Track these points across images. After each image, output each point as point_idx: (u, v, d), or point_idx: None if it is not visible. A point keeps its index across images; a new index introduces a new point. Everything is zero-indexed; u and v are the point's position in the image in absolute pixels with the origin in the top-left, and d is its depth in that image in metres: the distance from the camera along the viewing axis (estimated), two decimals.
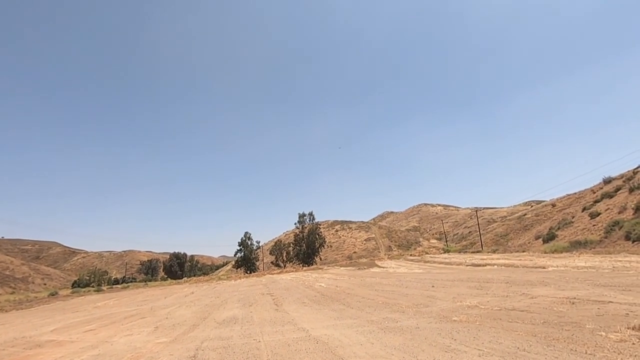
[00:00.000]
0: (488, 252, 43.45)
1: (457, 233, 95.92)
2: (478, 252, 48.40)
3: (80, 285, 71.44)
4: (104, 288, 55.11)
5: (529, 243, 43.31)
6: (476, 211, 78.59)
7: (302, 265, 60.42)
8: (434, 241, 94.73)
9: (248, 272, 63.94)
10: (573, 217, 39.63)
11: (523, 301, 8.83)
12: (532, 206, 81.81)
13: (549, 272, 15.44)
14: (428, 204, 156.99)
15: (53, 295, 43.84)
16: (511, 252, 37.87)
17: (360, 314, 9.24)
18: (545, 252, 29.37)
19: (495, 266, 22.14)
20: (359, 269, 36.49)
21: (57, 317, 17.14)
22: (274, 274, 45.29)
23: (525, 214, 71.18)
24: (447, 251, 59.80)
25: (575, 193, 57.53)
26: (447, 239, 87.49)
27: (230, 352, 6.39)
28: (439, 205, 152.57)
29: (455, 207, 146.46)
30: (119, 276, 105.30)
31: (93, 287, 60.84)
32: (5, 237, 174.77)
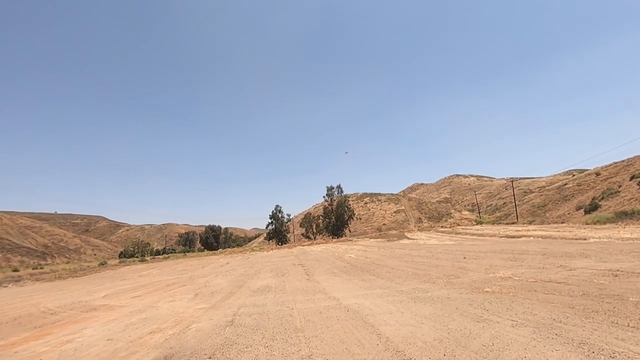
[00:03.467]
0: (524, 224, 41.97)
1: (491, 204, 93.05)
2: (513, 223, 46.87)
3: (125, 255, 76.88)
4: (147, 258, 59.05)
5: (568, 214, 41.35)
6: (512, 181, 75.46)
7: (332, 237, 61.44)
8: (466, 213, 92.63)
9: (279, 243, 65.98)
10: (620, 187, 37.15)
11: (560, 273, 8.53)
12: (573, 175, 77.24)
13: (590, 244, 14.74)
14: (460, 175, 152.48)
15: (103, 264, 47.64)
16: (549, 224, 36.37)
17: (390, 284, 9.34)
18: (587, 224, 27.94)
19: (531, 238, 21.40)
20: (388, 240, 36.60)
21: (107, 284, 18.68)
22: (305, 245, 46.44)
23: (565, 184, 67.54)
24: (479, 223, 58.32)
25: (623, 161, 53.51)
26: (480, 211, 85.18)
27: (265, 318, 6.71)
28: (472, 176, 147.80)
29: (489, 177, 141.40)
30: (159, 247, 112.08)
31: (137, 257, 65.33)
32: (58, 212, 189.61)
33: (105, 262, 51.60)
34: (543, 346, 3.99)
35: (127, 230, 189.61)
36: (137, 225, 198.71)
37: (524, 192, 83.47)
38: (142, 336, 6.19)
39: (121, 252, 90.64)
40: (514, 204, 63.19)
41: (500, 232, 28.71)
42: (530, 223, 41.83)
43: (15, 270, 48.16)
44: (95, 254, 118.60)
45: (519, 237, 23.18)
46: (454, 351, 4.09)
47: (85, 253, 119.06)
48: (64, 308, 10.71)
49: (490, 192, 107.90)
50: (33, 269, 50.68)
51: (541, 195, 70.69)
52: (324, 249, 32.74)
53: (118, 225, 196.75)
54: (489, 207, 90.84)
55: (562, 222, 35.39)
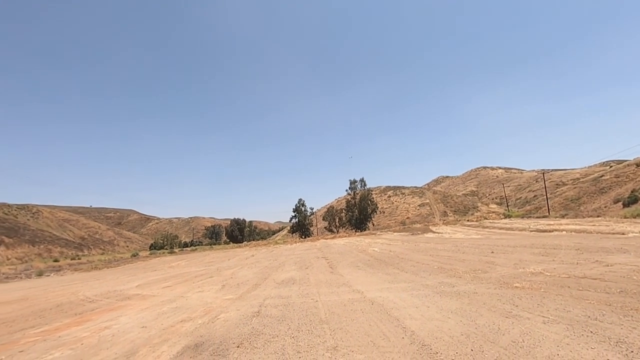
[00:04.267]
0: (556, 218, 40.29)
1: (520, 197, 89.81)
2: (544, 217, 45.09)
3: (156, 247, 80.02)
4: (176, 250, 61.20)
5: (605, 207, 39.30)
6: (543, 173, 72.44)
7: (355, 231, 61.33)
8: (494, 206, 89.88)
9: (303, 237, 66.59)
10: None
11: (596, 269, 8.15)
12: (611, 166, 73.13)
13: (629, 239, 13.97)
14: (487, 167, 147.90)
15: (134, 256, 49.81)
16: (583, 217, 34.73)
17: (414, 278, 9.25)
18: (626, 217, 26.46)
19: (564, 232, 20.52)
20: (412, 234, 36.16)
21: (139, 274, 19.54)
22: (328, 239, 46.64)
23: (602, 176, 64.11)
24: (508, 216, 56.43)
25: None
26: (509, 204, 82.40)
27: (290, 310, 6.83)
28: (500, 168, 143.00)
29: (519, 169, 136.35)
30: (187, 240, 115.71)
31: (166, 249, 67.83)
32: (93, 206, 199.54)
33: (137, 254, 53.95)
34: (577, 344, 3.85)
35: (157, 223, 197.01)
36: (166, 219, 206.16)
37: (556, 184, 79.95)
38: (174, 324, 6.46)
39: (151, 244, 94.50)
40: (545, 196, 60.68)
41: (531, 226, 27.70)
42: (562, 217, 40.08)
43: (56, 260, 51.23)
44: (127, 246, 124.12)
45: (550, 231, 22.29)
46: (481, 346, 4.02)
47: (118, 245, 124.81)
48: (101, 296, 11.32)
49: (520, 185, 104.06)
50: (71, 259, 53.74)
51: (575, 187, 67.48)
52: (347, 242, 32.78)
53: (148, 219, 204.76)
54: (518, 201, 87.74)
55: (598, 216, 33.71)
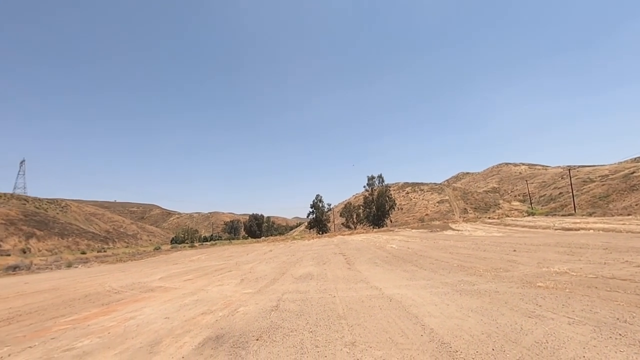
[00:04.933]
0: (582, 216, 38.80)
1: (544, 195, 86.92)
2: (570, 215, 43.52)
3: (177, 241, 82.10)
4: (196, 244, 62.60)
5: (636, 205, 37.59)
6: (569, 170, 69.75)
7: (372, 227, 61.03)
8: (516, 203, 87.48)
9: (320, 232, 66.81)
10: None
11: (626, 269, 7.82)
12: None
13: None
14: (510, 164, 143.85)
15: (157, 249, 51.30)
16: (612, 216, 33.31)
17: (433, 276, 9.14)
18: None
19: (591, 231, 19.75)
20: (431, 231, 35.65)
21: (161, 267, 20.12)
22: (345, 235, 46.60)
23: (633, 172, 61.27)
24: (531, 214, 54.74)
25: None
26: (532, 201, 79.94)
27: (308, 305, 6.88)
28: (523, 164, 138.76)
29: (543, 166, 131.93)
30: (206, 234, 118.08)
31: (187, 243, 69.48)
32: (117, 201, 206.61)
33: (159, 247, 55.54)
34: (605, 346, 3.72)
35: (178, 217, 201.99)
36: (187, 214, 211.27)
37: (583, 181, 76.91)
38: (195, 316, 6.63)
39: (173, 238, 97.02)
40: (571, 194, 58.53)
41: (555, 224, 26.81)
42: (590, 215, 38.55)
43: (83, 252, 53.39)
44: (150, 240, 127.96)
45: (576, 229, 21.51)
46: (503, 346, 3.94)
47: (141, 238, 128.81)
48: (126, 288, 11.73)
49: (544, 182, 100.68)
50: (98, 252, 55.89)
51: (603, 184, 64.79)
52: (365, 238, 32.66)
53: (169, 213, 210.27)
54: (542, 198, 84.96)
55: (629, 214, 32.26)
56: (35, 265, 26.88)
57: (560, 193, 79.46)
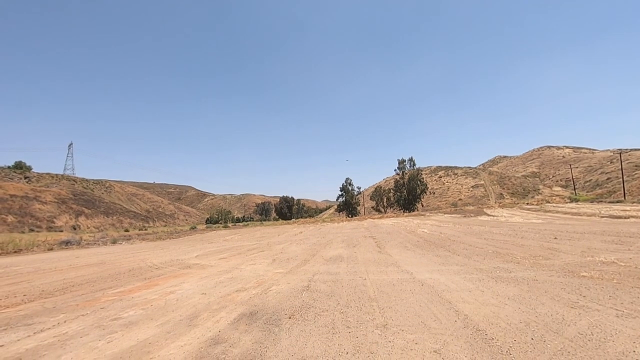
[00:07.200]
0: (633, 203, 36.10)
1: (590, 180, 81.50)
2: (619, 202, 40.62)
3: (211, 221, 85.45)
4: (230, 225, 64.83)
5: None
6: (620, 153, 64.69)
7: (403, 211, 60.28)
8: (558, 189, 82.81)
9: (349, 216, 66.96)
10: None
11: None
12: None
13: None
14: (552, 147, 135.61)
15: (193, 229, 53.69)
16: None
17: (467, 262, 8.90)
18: None
19: None
20: (464, 216, 34.64)
21: (197, 246, 21.05)
22: (375, 218, 46.39)
23: None
24: (575, 200, 51.62)
25: None
26: (576, 187, 75.30)
27: (339, 286, 6.95)
28: (567, 147, 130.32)
29: (590, 149, 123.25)
30: (239, 215, 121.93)
31: (221, 224, 72.13)
32: (156, 182, 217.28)
33: (195, 227, 58.07)
34: None
35: (212, 199, 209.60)
36: (220, 195, 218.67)
37: (636, 165, 71.16)
38: (230, 293, 6.90)
39: (207, 219, 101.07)
40: (621, 179, 54.40)
41: (602, 212, 25.16)
42: None
43: (126, 230, 56.96)
44: (186, 219, 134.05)
45: (626, 217, 20.08)
46: (543, 336, 3.78)
47: (178, 218, 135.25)
48: (165, 264, 12.40)
49: (590, 166, 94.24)
50: (139, 230, 59.42)
51: None
52: (395, 222, 32.34)
53: (204, 195, 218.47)
54: (587, 184, 79.77)
55: None
56: (84, 240, 29.03)
57: (608, 178, 74.18)
